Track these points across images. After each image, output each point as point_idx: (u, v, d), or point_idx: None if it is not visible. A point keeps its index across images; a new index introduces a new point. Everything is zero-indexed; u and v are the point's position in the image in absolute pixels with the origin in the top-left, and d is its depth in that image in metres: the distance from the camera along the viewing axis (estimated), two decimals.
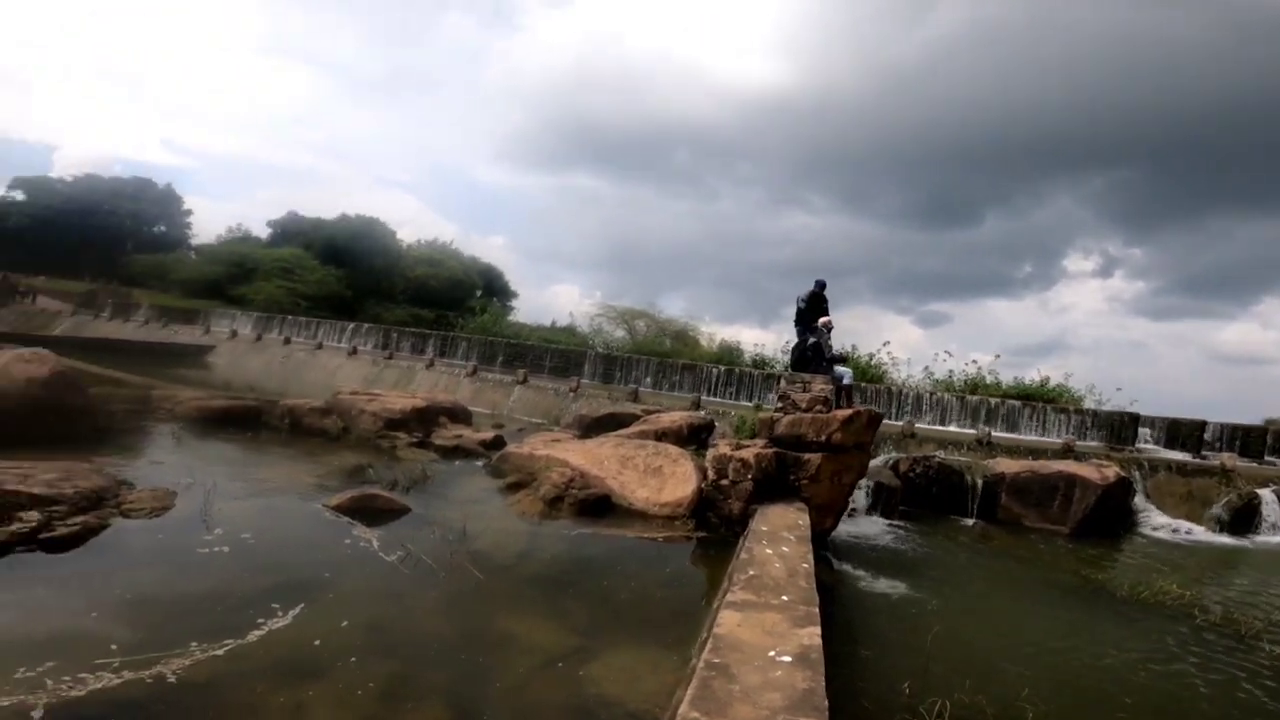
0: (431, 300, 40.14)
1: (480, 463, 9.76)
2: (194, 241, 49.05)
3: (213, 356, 26.36)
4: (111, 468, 7.07)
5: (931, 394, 17.93)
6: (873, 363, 20.15)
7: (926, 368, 20.75)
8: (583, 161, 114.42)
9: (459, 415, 12.38)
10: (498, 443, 10.66)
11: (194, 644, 3.85)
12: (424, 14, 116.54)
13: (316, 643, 4.11)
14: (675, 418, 11.80)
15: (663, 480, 8.23)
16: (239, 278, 36.10)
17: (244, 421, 10.63)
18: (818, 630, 3.92)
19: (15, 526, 4.97)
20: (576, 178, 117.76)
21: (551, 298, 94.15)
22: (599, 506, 7.77)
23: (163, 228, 50.95)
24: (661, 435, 10.48)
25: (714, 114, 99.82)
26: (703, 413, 14.08)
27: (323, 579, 5.08)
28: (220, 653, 3.83)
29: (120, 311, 32.67)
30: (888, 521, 10.97)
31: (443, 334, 26.26)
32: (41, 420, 8.20)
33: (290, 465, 8.49)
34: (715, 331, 31.08)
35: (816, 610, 4.27)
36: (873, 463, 11.57)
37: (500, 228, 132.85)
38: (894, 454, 13.42)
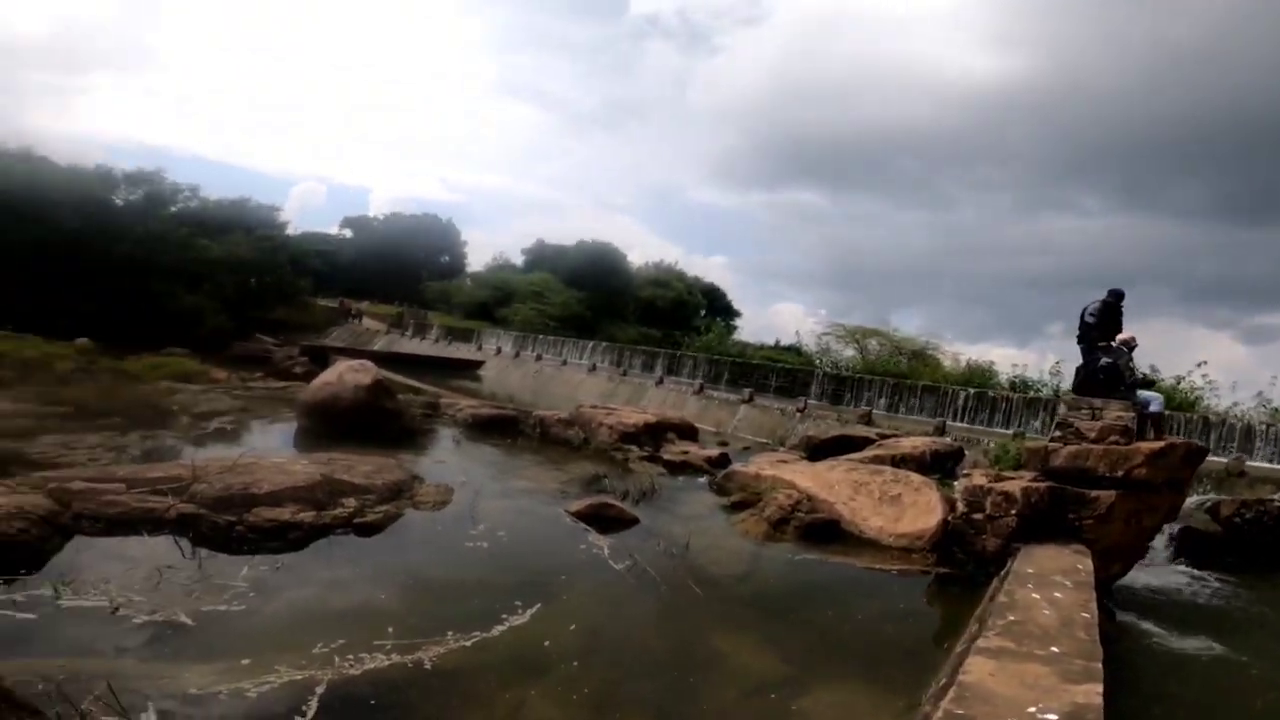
0: (659, 320, 42.18)
1: (704, 479, 9.87)
2: (469, 269, 57.27)
3: (483, 370, 30.61)
4: (409, 464, 8.39)
5: (1270, 425, 14.19)
6: (1180, 386, 16.56)
7: (1261, 393, 16.52)
8: (799, 176, 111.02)
9: (685, 432, 12.69)
10: (723, 460, 10.69)
11: (450, 633, 4.32)
12: (628, 46, 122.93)
13: (546, 643, 4.43)
14: (916, 443, 10.81)
15: (901, 509, 7.55)
16: (502, 301, 41.67)
17: (504, 428, 12.02)
18: (1098, 689, 3.27)
19: (338, 511, 6.17)
20: (794, 193, 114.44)
21: (774, 316, 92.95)
22: (826, 532, 7.37)
23: (446, 258, 60.20)
24: (900, 461, 9.64)
25: (938, 116, 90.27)
26: (949, 439, 12.74)
27: (559, 581, 5.49)
28: (468, 644, 4.25)
29: (419, 331, 39.62)
30: (1201, 573, 8.98)
31: (670, 353, 27.35)
32: (363, 420, 9.99)
33: (539, 470, 9.37)
34: (960, 351, 28.22)
35: (1099, 666, 3.58)
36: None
37: (720, 247, 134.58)
38: (1212, 495, 10.95)
